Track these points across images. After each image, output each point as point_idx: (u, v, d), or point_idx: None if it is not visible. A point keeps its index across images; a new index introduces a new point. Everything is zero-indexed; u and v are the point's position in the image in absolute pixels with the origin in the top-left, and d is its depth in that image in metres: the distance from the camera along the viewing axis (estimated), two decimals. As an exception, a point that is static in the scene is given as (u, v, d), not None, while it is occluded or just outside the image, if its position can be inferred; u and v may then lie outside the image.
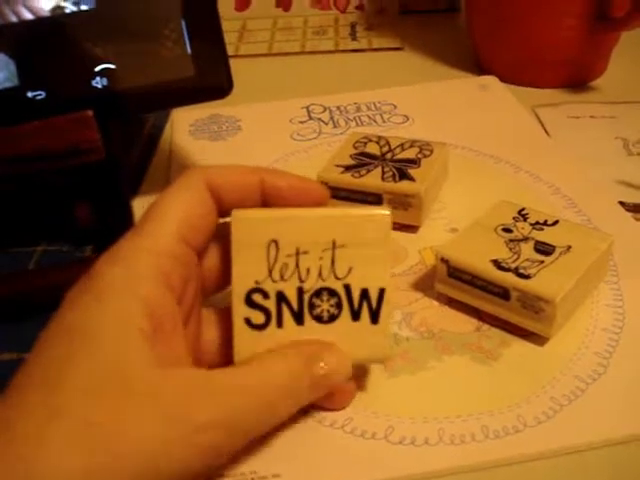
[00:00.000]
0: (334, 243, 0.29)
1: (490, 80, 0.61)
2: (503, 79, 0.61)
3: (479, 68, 0.64)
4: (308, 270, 0.29)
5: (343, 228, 0.29)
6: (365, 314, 0.30)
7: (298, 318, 0.30)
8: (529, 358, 0.34)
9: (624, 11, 0.55)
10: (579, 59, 0.59)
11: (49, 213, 0.43)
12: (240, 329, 0.30)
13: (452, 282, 0.36)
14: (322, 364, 0.29)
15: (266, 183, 0.30)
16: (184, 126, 0.56)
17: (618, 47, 0.61)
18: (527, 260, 0.35)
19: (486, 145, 0.52)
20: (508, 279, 0.34)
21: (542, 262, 0.35)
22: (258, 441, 0.29)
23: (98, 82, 0.40)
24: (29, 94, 0.40)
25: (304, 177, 0.31)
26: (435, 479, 0.29)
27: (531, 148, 0.51)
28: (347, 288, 0.30)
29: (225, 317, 0.31)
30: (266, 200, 0.30)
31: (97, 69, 0.40)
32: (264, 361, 0.28)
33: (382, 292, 0.30)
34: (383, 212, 0.30)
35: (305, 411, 0.31)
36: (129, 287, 0.26)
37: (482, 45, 0.64)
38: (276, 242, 0.29)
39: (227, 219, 0.30)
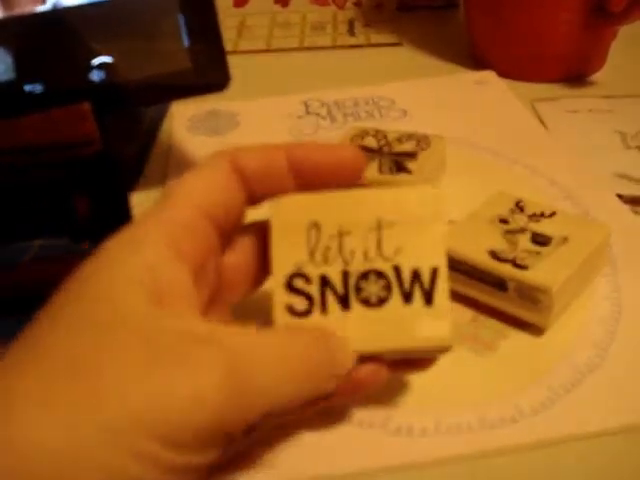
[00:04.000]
0: (379, 222, 0.27)
1: (488, 75, 0.61)
2: (501, 74, 0.61)
3: (477, 63, 0.64)
4: (353, 252, 0.27)
5: (389, 206, 0.28)
6: (418, 296, 0.27)
7: (344, 302, 0.27)
8: (526, 349, 0.34)
9: (622, 5, 0.55)
10: (577, 53, 0.59)
11: (46, 207, 0.43)
12: (281, 317, 0.27)
13: (449, 273, 0.36)
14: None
15: (293, 157, 0.28)
16: (182, 121, 0.56)
17: (616, 41, 0.61)
18: (524, 251, 0.35)
19: (484, 139, 0.52)
20: (505, 270, 0.34)
21: (539, 253, 0.35)
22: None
23: (95, 75, 0.40)
24: (26, 87, 0.40)
25: (334, 144, 0.29)
26: (432, 468, 0.29)
27: (529, 142, 0.51)
28: (396, 269, 0.27)
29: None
30: (298, 177, 0.28)
31: (94, 62, 0.40)
32: (285, 329, 0.27)
33: (435, 272, 0.27)
34: (434, 189, 0.28)
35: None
36: (129, 249, 0.24)
37: (480, 40, 0.64)
38: (317, 224, 0.27)
39: (261, 213, 0.28)
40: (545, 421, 0.30)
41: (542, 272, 0.34)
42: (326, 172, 0.28)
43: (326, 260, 0.27)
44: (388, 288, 0.27)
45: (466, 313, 0.36)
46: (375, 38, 0.72)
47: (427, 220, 0.27)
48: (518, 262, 0.34)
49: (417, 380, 0.33)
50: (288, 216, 0.28)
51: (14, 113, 0.38)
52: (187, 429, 0.22)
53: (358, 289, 0.27)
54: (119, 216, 0.42)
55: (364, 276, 0.27)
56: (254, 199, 0.28)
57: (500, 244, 0.35)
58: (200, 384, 0.22)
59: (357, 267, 0.27)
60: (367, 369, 0.27)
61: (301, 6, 0.79)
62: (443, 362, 0.33)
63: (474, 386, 0.32)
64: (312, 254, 0.27)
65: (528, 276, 0.33)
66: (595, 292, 0.37)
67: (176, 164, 0.51)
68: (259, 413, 0.24)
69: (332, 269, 0.27)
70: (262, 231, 0.28)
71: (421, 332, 0.27)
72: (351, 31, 0.74)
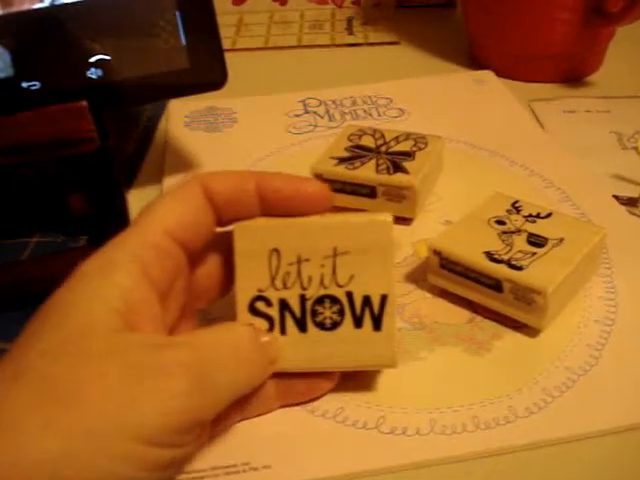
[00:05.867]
0: (335, 250, 0.30)
1: (486, 75, 0.62)
2: (499, 74, 0.61)
3: (475, 63, 0.64)
4: (310, 278, 0.30)
5: (343, 235, 0.30)
6: (367, 321, 0.30)
7: (301, 325, 0.30)
8: (521, 350, 0.34)
9: (619, 5, 0.55)
10: (574, 54, 0.59)
11: (43, 204, 0.43)
12: None
13: (445, 274, 0.36)
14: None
15: (262, 186, 0.29)
16: (180, 118, 0.56)
17: (614, 42, 0.61)
18: (520, 252, 0.35)
19: (481, 139, 0.52)
20: (500, 271, 0.34)
21: (534, 254, 0.35)
22: (250, 431, 0.29)
23: (93, 73, 0.40)
24: (24, 84, 0.40)
25: (302, 176, 0.31)
26: (426, 469, 0.29)
27: (526, 142, 0.51)
28: (349, 295, 0.30)
29: None
30: (265, 204, 0.30)
31: (92, 60, 0.40)
32: (225, 325, 0.29)
33: (384, 298, 0.30)
34: (384, 217, 0.30)
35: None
36: (102, 273, 0.26)
37: (478, 40, 0.64)
38: (278, 251, 0.30)
39: (228, 228, 0.30)
40: (539, 422, 0.30)
41: (537, 273, 0.34)
42: (291, 204, 0.30)
43: (285, 285, 0.30)
44: (341, 313, 0.30)
45: (462, 314, 0.36)
46: (373, 37, 0.72)
47: (378, 248, 0.30)
48: (513, 263, 0.34)
49: (411, 381, 0.33)
50: (250, 242, 0.30)
51: (11, 110, 0.38)
52: (165, 430, 0.24)
53: (314, 312, 0.30)
54: (116, 213, 0.42)
55: (320, 301, 0.30)
56: (223, 221, 0.30)
57: (496, 245, 0.36)
58: (170, 392, 0.24)
59: (313, 292, 0.30)
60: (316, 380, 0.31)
61: (299, 4, 0.79)
62: (438, 363, 0.34)
63: (469, 387, 0.32)
64: (273, 279, 0.30)
65: (523, 277, 0.33)
66: (591, 293, 0.37)
67: (173, 161, 0.51)
68: (225, 401, 0.27)
69: (291, 293, 0.30)
70: (228, 242, 0.30)
71: (368, 355, 0.30)
72: (349, 29, 0.74)
